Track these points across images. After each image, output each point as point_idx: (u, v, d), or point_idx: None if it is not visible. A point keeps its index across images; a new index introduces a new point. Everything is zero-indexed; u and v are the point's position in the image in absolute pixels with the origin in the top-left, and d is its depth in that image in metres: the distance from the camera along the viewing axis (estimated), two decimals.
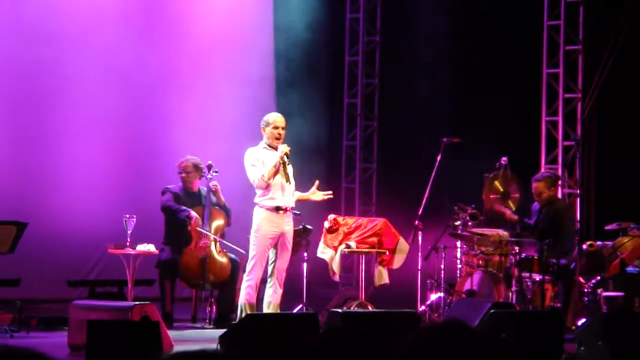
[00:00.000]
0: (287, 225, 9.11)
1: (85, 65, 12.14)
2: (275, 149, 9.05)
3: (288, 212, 9.12)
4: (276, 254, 9.07)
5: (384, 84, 14.35)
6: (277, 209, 9.04)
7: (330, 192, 9.53)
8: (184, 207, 10.21)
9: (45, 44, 11.91)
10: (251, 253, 9.08)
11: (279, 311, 9.03)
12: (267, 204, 9.03)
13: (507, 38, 12.82)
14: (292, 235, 9.20)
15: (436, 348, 1.91)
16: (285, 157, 9.02)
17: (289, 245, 9.13)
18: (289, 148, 9.09)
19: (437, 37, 13.69)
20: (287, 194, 9.10)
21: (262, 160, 9.02)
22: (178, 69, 12.85)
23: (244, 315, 8.73)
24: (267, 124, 9.14)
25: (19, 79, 11.83)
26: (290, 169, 9.15)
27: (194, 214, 10.17)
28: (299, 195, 9.31)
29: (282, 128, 9.13)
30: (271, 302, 9.04)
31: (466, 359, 1.90)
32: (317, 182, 9.38)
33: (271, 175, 8.95)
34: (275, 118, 9.20)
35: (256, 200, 9.11)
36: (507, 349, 1.95)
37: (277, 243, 9.07)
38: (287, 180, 9.09)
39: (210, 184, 10.34)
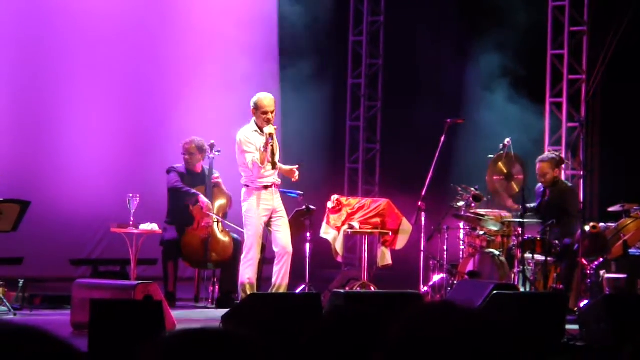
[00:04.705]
0: (277, 200, 9.17)
1: (89, 46, 12.12)
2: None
3: (275, 188, 9.16)
4: (274, 230, 9.08)
5: (388, 65, 14.30)
6: (266, 187, 9.06)
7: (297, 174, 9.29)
8: (193, 191, 10.21)
9: (48, 27, 11.90)
10: (247, 234, 9.08)
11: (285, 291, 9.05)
12: (256, 185, 9.06)
13: (511, 18, 12.76)
14: (282, 204, 9.22)
15: (433, 328, 1.89)
16: (270, 139, 8.91)
17: (284, 213, 9.18)
18: (275, 127, 9.01)
19: (441, 18, 13.66)
20: (274, 175, 9.13)
21: (255, 144, 8.97)
22: (181, 47, 12.80)
23: (245, 295, 8.73)
24: (256, 108, 9.04)
25: (21, 62, 11.80)
26: (277, 152, 9.09)
27: (203, 198, 10.15)
28: (281, 166, 9.27)
29: (272, 112, 9.00)
30: (280, 283, 9.04)
31: (464, 337, 1.89)
32: (297, 166, 9.33)
33: (263, 159, 8.92)
34: (264, 102, 9.03)
35: (244, 181, 9.13)
36: (506, 330, 1.93)
37: (270, 219, 9.09)
38: (274, 166, 9.05)
39: (213, 177, 10.35)
